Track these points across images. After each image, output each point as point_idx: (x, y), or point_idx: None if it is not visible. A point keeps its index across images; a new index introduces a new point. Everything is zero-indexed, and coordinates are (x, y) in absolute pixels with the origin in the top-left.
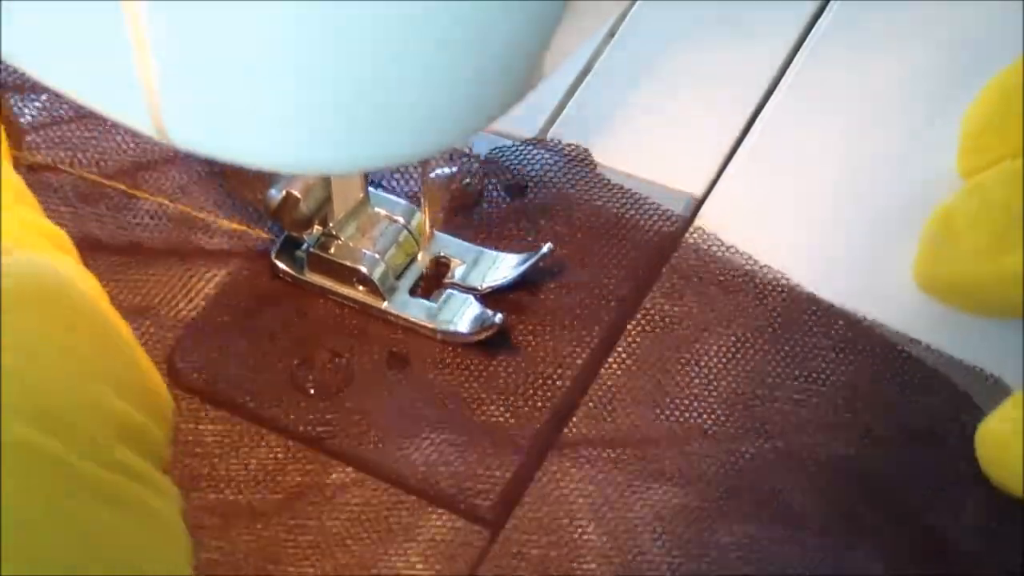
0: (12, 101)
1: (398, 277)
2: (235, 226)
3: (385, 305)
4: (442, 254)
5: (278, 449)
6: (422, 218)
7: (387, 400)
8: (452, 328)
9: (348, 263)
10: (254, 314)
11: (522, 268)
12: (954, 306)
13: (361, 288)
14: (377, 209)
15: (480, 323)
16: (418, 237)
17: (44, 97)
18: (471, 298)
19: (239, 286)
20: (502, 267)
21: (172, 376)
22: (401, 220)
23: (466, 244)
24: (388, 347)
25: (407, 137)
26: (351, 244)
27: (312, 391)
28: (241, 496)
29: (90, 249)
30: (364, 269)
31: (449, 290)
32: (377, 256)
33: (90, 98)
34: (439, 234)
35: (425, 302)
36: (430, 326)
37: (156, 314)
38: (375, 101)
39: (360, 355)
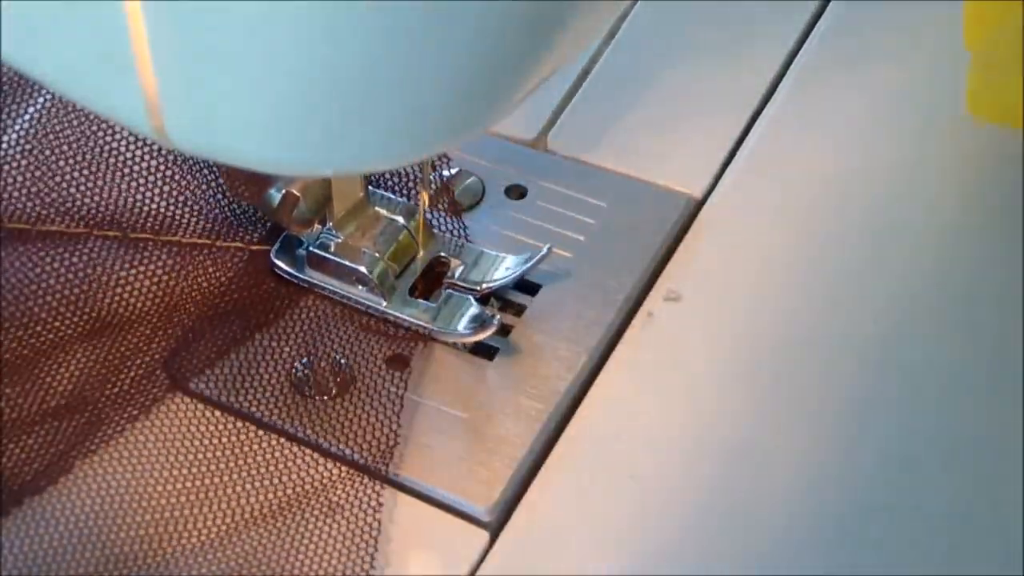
0: None
1: (398, 277)
2: (215, 243)
3: (384, 305)
4: (442, 254)
5: (278, 452)
6: (422, 218)
7: (387, 401)
8: (451, 328)
9: (347, 262)
10: (254, 316)
11: (522, 269)
12: (1007, 124)
13: (361, 288)
14: (377, 208)
15: (479, 323)
16: (418, 237)
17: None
18: (470, 298)
19: (238, 287)
20: (501, 267)
21: (172, 380)
22: (401, 220)
23: (466, 244)
24: (388, 348)
25: (406, 138)
26: (351, 243)
27: (312, 392)
28: (242, 498)
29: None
30: (363, 268)
31: (448, 290)
32: (377, 255)
33: (90, 100)
34: (439, 234)
35: (424, 302)
36: (429, 326)
37: (156, 316)
38: (375, 102)
39: (360, 356)
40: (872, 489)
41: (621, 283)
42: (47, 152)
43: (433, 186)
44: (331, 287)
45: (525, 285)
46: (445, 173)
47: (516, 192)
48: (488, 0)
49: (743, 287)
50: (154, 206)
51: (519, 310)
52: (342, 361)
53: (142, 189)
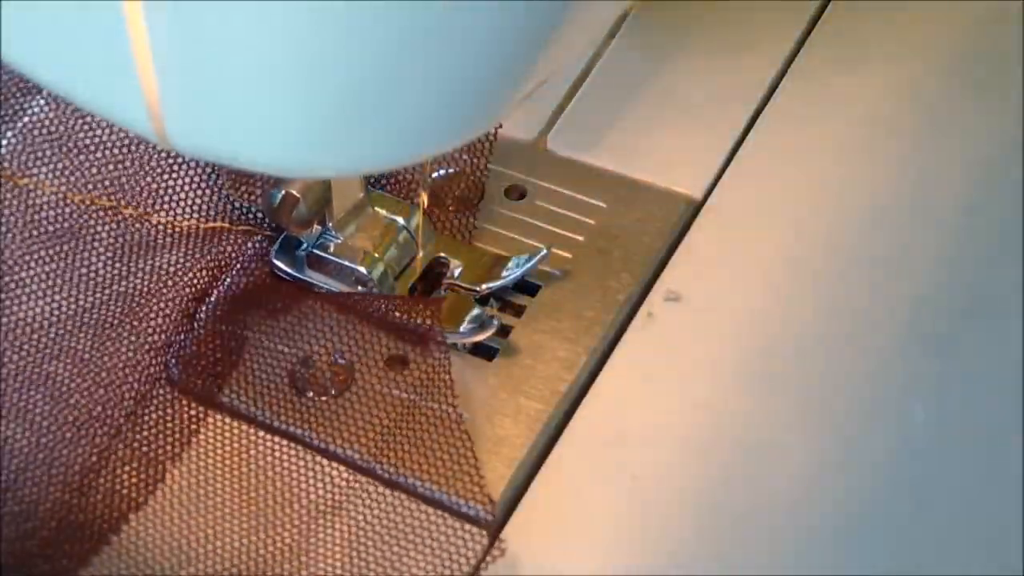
0: None
1: (397, 277)
2: (234, 227)
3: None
4: (441, 254)
5: (278, 452)
6: (421, 218)
7: (387, 402)
8: (451, 329)
9: (347, 263)
10: (254, 316)
11: (521, 270)
12: None
13: (360, 288)
14: (377, 209)
15: (478, 324)
16: (418, 237)
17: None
18: (470, 299)
19: (239, 288)
20: (501, 268)
21: (172, 380)
22: (400, 220)
23: (465, 245)
24: (388, 348)
25: (407, 139)
26: (350, 244)
27: (312, 393)
28: (241, 498)
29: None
30: (363, 269)
31: (448, 291)
32: (376, 256)
33: (90, 102)
34: (438, 235)
35: None
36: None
37: (155, 317)
38: (375, 104)
39: (360, 357)
40: (872, 489)
41: (621, 283)
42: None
43: (433, 186)
44: (331, 288)
45: (525, 285)
46: (445, 174)
47: (516, 193)
48: (487, 1)
49: (743, 287)
50: (179, 191)
51: (519, 310)
52: (342, 361)
53: (165, 173)
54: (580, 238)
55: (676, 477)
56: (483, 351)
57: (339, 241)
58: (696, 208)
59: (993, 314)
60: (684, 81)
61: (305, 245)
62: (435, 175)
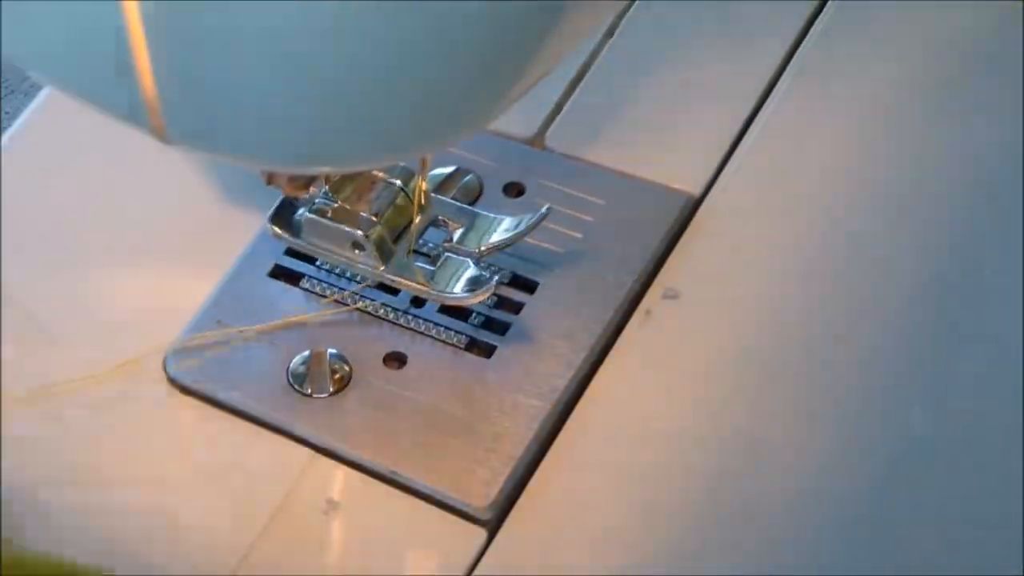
0: None
1: (395, 240)
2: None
3: (382, 268)
4: (439, 217)
5: (276, 451)
6: (419, 181)
7: (385, 400)
8: (449, 290)
9: (344, 226)
10: (252, 315)
11: (518, 230)
12: None
13: (357, 252)
14: (375, 172)
15: (476, 285)
16: (415, 200)
17: None
18: (468, 261)
19: (237, 287)
20: (499, 230)
21: (171, 379)
22: (398, 183)
23: (463, 207)
24: (387, 347)
25: (405, 135)
26: (348, 207)
27: (310, 392)
28: (240, 497)
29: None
30: (360, 232)
31: (446, 253)
32: (374, 219)
33: (89, 98)
34: (436, 196)
35: (422, 265)
36: (426, 289)
37: (153, 317)
38: (374, 100)
39: (359, 355)
40: (871, 487)
41: (619, 281)
42: None
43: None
44: (328, 251)
45: (523, 283)
46: (443, 172)
47: (514, 190)
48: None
49: (741, 285)
50: None
51: (517, 308)
52: (340, 359)
53: None
54: (578, 235)
55: (674, 475)
56: (481, 348)
57: (336, 204)
58: (695, 205)
59: (993, 313)
60: (682, 79)
61: (302, 209)
62: (433, 173)
